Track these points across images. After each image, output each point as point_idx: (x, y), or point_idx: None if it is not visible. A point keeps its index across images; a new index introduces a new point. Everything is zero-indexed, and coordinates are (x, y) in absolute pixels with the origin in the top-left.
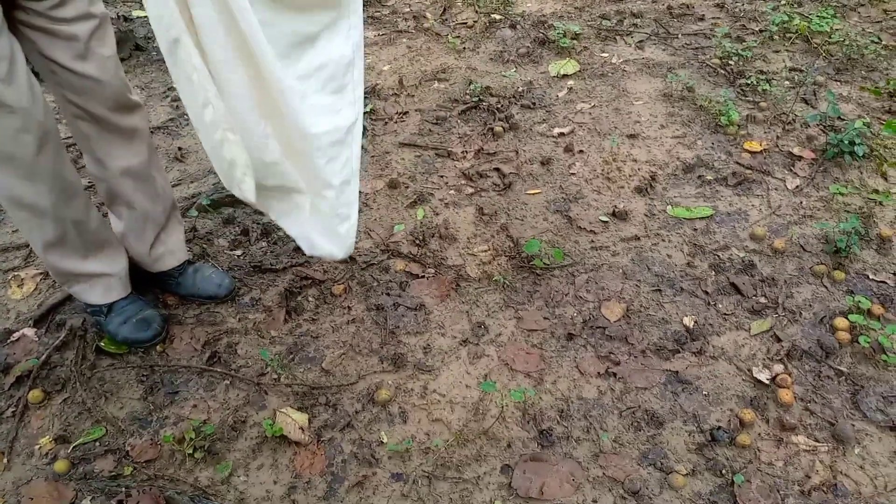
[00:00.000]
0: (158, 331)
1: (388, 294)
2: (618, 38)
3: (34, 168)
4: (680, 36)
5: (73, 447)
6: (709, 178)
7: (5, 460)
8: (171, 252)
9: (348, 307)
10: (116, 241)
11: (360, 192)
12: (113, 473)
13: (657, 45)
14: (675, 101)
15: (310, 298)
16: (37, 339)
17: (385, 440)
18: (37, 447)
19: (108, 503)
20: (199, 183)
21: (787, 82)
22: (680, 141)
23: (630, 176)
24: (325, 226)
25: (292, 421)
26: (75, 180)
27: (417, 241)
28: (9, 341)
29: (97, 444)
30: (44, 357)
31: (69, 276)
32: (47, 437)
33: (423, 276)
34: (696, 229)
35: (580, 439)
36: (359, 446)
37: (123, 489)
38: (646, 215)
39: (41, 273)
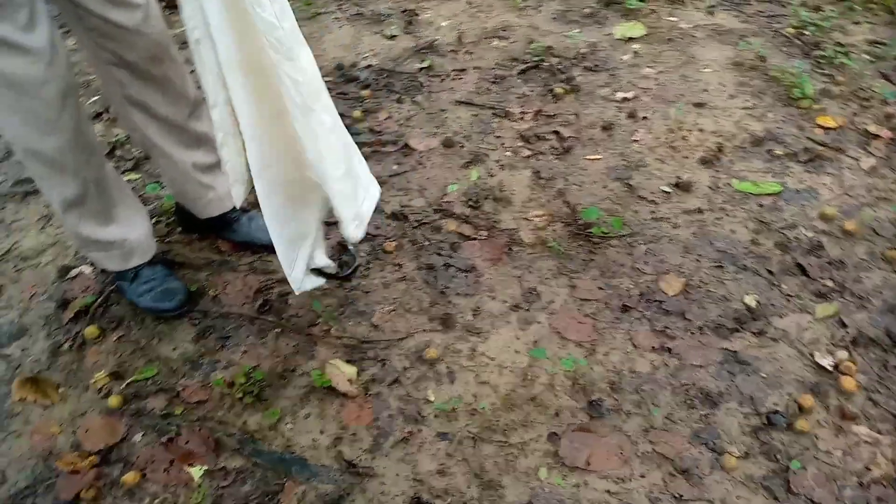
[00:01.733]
0: (182, 302)
1: (438, 254)
2: (688, 1)
3: (56, 122)
4: (753, 2)
5: (127, 384)
6: (778, 152)
7: (62, 391)
8: (219, 198)
9: (399, 265)
10: (136, 203)
11: (412, 150)
12: (164, 412)
13: (729, 11)
14: (745, 70)
15: (362, 254)
16: (94, 276)
17: (432, 398)
18: (92, 382)
19: (159, 440)
20: None
21: (866, 56)
22: (749, 112)
23: (695, 146)
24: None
25: (341, 373)
26: (94, 138)
27: (471, 203)
28: (67, 277)
29: (150, 382)
30: (102, 295)
31: (87, 242)
32: (102, 372)
33: (475, 238)
34: (762, 205)
35: (630, 413)
36: (405, 402)
37: (174, 428)
38: (710, 188)
39: None
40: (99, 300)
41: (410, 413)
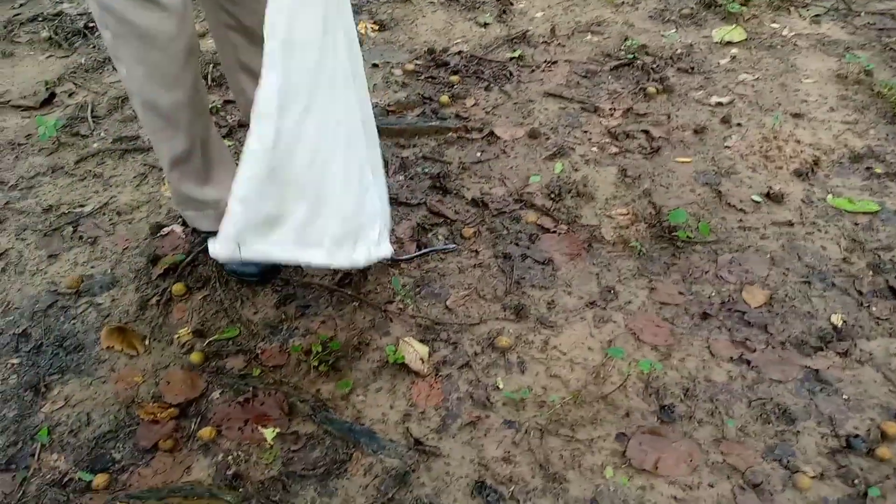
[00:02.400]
0: (265, 269)
1: (516, 244)
2: (792, 9)
3: (178, 77)
4: (863, 14)
5: (209, 342)
6: (878, 171)
7: (147, 343)
8: None
9: (476, 251)
10: (234, 167)
11: (497, 138)
12: (242, 372)
13: (836, 22)
14: (849, 83)
15: (439, 237)
16: (184, 236)
17: (501, 386)
18: (176, 337)
19: (236, 399)
20: None
21: None
22: (850, 127)
23: (790, 157)
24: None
25: (414, 351)
26: (206, 98)
27: (553, 195)
28: (159, 234)
29: (230, 342)
30: (191, 255)
31: (185, 199)
32: (186, 328)
33: (554, 231)
34: (857, 224)
35: (703, 421)
36: (475, 387)
37: (250, 389)
38: (803, 201)
39: None
40: (188, 259)
41: (479, 398)
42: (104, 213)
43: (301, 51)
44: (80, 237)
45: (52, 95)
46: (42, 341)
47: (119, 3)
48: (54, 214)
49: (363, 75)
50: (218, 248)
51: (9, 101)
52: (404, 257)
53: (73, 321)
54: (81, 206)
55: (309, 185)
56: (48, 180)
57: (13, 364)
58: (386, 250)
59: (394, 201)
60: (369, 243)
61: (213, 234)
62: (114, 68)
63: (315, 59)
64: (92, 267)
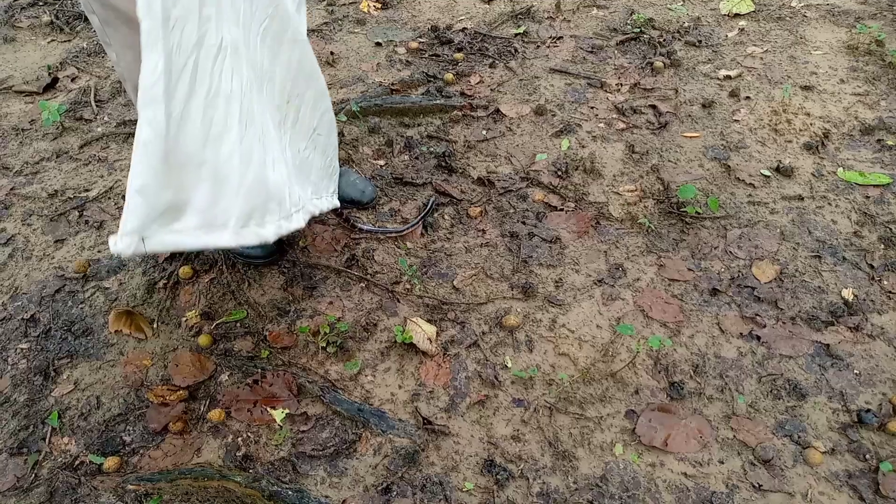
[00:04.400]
0: (273, 250)
1: (523, 223)
2: None
3: None
4: None
5: (217, 324)
6: (889, 143)
7: (155, 326)
8: None
9: (483, 230)
10: None
11: (503, 116)
12: (251, 354)
13: None
14: (860, 54)
15: (446, 216)
16: None
17: (509, 365)
18: (184, 319)
19: (244, 381)
20: (347, 89)
21: None
22: (861, 99)
23: (800, 130)
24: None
25: (421, 331)
26: None
27: (559, 173)
28: None
29: (238, 325)
30: None
31: None
32: (194, 311)
33: (561, 209)
34: (868, 197)
35: (713, 397)
36: (483, 366)
37: (259, 370)
38: (813, 175)
39: None
40: None
41: (487, 377)
42: (110, 198)
43: (180, 27)
44: (87, 221)
45: (55, 80)
46: (50, 326)
47: None
48: (60, 199)
49: (295, 36)
50: (120, 245)
51: (12, 87)
52: (367, 227)
53: (80, 305)
54: (87, 190)
55: (206, 166)
56: (53, 165)
57: (22, 349)
58: (298, 221)
59: (399, 181)
60: (280, 216)
61: None
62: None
63: (195, 32)
64: (99, 251)
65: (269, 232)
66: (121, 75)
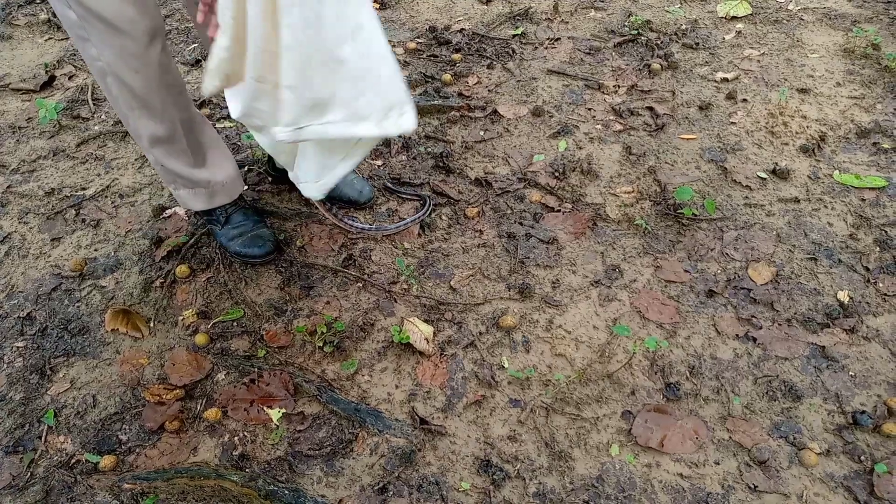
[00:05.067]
0: (270, 249)
1: (520, 223)
2: None
3: (143, 58)
4: None
5: (213, 323)
6: (885, 146)
7: (151, 325)
8: None
9: (480, 231)
10: (222, 146)
11: (500, 117)
12: (247, 354)
13: None
14: (856, 57)
15: (443, 217)
16: (187, 217)
17: (506, 365)
18: (180, 318)
19: (241, 380)
20: None
21: None
22: (857, 102)
23: (796, 133)
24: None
25: (419, 331)
26: (179, 80)
27: (557, 174)
28: (162, 217)
29: (235, 324)
30: (194, 237)
31: (174, 177)
32: (190, 310)
33: (558, 210)
34: (863, 199)
35: (709, 399)
36: (480, 366)
37: (256, 369)
38: (809, 177)
39: None
40: (191, 241)
41: (484, 377)
42: (106, 196)
43: None
44: (83, 220)
45: (52, 78)
46: (47, 324)
47: None
48: (56, 198)
49: None
50: (281, 135)
51: (9, 85)
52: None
53: (77, 304)
54: (83, 188)
55: (346, 64)
56: (50, 163)
57: (18, 347)
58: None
59: (396, 181)
60: (412, 108)
61: (207, 212)
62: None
63: None
64: (95, 250)
65: (409, 122)
66: (100, 70)
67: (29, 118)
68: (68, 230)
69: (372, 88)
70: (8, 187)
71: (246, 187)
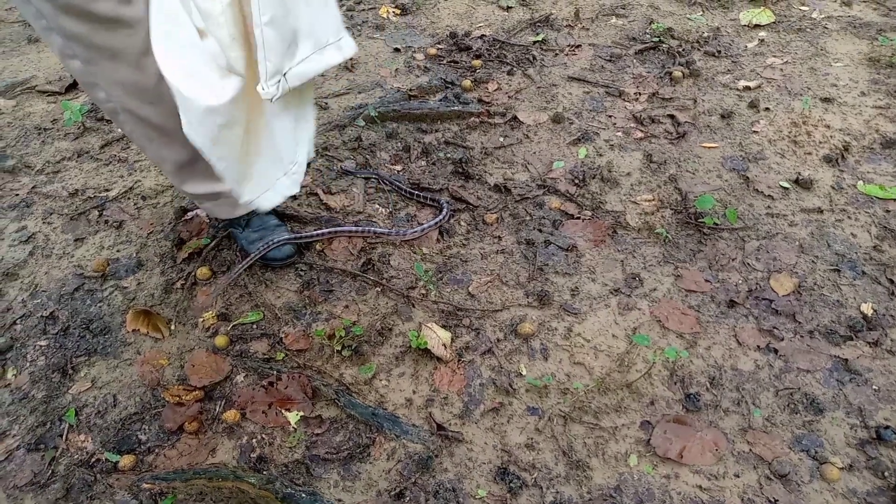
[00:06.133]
0: (290, 253)
1: (539, 230)
2: None
3: (157, 90)
4: None
5: (233, 326)
6: None
7: (172, 327)
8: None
9: (499, 237)
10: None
11: (520, 123)
12: (266, 356)
13: (868, 3)
14: (881, 67)
15: (462, 223)
16: (208, 220)
17: (524, 373)
18: (200, 320)
19: (260, 382)
20: (366, 94)
21: None
22: (882, 112)
23: (820, 143)
24: None
25: (436, 336)
26: None
27: (577, 181)
28: (183, 219)
29: (254, 326)
30: (215, 239)
31: (198, 196)
32: (210, 312)
33: (578, 217)
34: (888, 211)
35: (729, 410)
36: (497, 373)
37: (275, 372)
38: (832, 188)
39: None
40: (212, 243)
41: (502, 384)
42: (129, 198)
43: None
44: (106, 221)
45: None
46: (69, 324)
47: (85, 28)
48: (80, 198)
49: None
50: (270, 90)
51: (35, 87)
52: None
53: (99, 304)
54: (107, 190)
55: None
56: (74, 165)
57: (41, 346)
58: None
59: (415, 186)
60: (348, 34)
61: (234, 220)
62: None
63: None
64: (118, 251)
65: (351, 45)
66: (112, 110)
67: (54, 120)
68: (91, 231)
69: (322, 10)
70: (33, 188)
71: None
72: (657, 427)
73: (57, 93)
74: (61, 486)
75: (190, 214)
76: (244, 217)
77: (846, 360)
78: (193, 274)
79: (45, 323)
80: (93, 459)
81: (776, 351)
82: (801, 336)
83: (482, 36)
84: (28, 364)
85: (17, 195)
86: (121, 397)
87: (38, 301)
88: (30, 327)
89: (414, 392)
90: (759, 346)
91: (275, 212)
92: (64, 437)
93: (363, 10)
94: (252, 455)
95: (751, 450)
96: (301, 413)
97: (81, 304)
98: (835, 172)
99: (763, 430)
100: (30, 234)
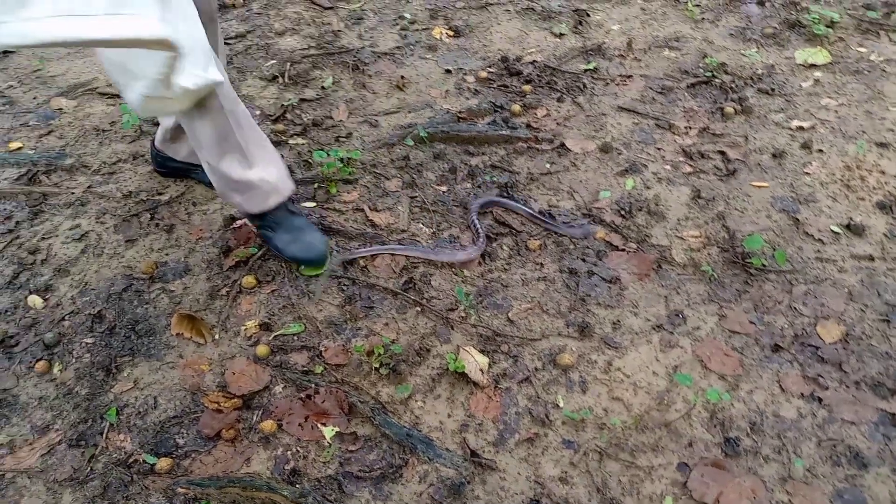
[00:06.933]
0: (322, 254)
1: (583, 260)
2: (881, 32)
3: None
4: None
5: (275, 336)
6: None
7: (216, 335)
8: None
9: (541, 264)
10: (270, 146)
11: (568, 150)
12: (305, 369)
13: None
14: None
15: (504, 247)
16: (255, 230)
17: (561, 405)
18: (243, 328)
19: (298, 395)
20: (416, 114)
21: None
22: None
23: (874, 188)
24: None
25: (474, 361)
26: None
27: (623, 212)
28: (232, 227)
29: (295, 338)
30: (262, 249)
31: (229, 183)
32: (253, 321)
33: (623, 250)
34: None
35: (769, 458)
36: (534, 403)
37: (313, 385)
38: (885, 235)
39: None
40: (259, 253)
41: (538, 414)
42: (181, 203)
43: None
44: (157, 224)
45: None
46: (115, 323)
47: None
48: (133, 200)
49: None
50: None
51: (96, 89)
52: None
53: (145, 306)
54: (160, 194)
55: None
56: (129, 167)
57: (87, 343)
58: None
59: (460, 208)
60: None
61: (264, 214)
62: None
63: None
64: (166, 254)
65: (151, 26)
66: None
67: (112, 122)
68: (142, 233)
69: None
70: (88, 187)
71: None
72: (694, 470)
73: (116, 95)
74: (99, 484)
75: (238, 223)
76: (274, 220)
77: (893, 414)
78: (239, 282)
79: (92, 321)
80: (131, 460)
81: (820, 400)
82: (847, 386)
83: (534, 61)
84: (74, 360)
85: (73, 193)
86: (161, 400)
87: (87, 299)
88: (78, 324)
89: (449, 415)
90: (802, 394)
91: (319, 225)
92: (104, 435)
93: (416, 30)
94: (286, 467)
95: (790, 500)
96: (336, 428)
97: (129, 305)
98: (888, 220)
99: (804, 480)
100: (83, 232)
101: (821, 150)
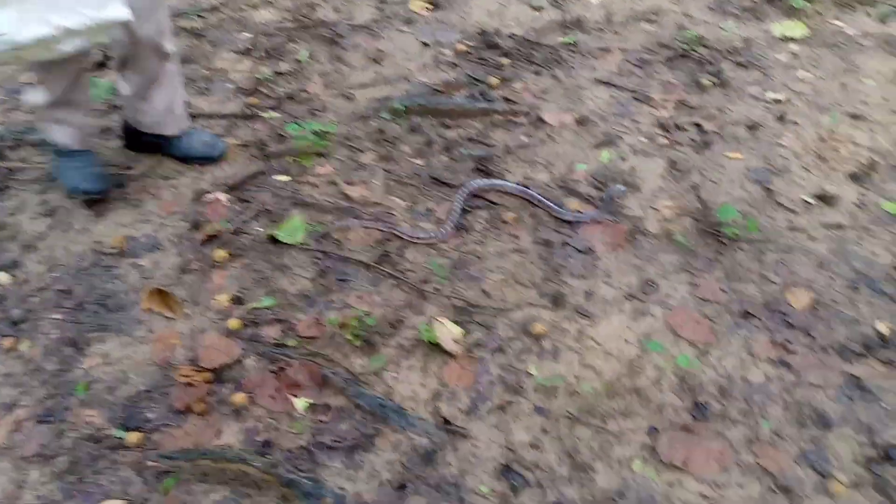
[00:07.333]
0: (102, 189)
1: (557, 231)
2: (858, 6)
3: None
4: None
5: (247, 310)
6: None
7: (185, 306)
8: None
9: (516, 236)
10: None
11: (544, 123)
12: (278, 342)
13: None
14: None
15: (480, 220)
16: (228, 204)
17: (533, 372)
18: (213, 302)
19: (270, 367)
20: (392, 87)
21: None
22: None
23: (846, 159)
24: None
25: (447, 331)
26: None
27: (598, 184)
28: (202, 201)
29: (268, 311)
30: (233, 223)
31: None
32: (224, 295)
33: (597, 221)
34: None
35: (736, 421)
36: (507, 371)
37: (285, 358)
38: (855, 204)
39: (241, 144)
40: (230, 227)
41: (510, 383)
42: (150, 177)
43: None
44: (126, 199)
45: (108, 58)
46: (84, 299)
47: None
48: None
49: None
50: None
51: None
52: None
53: (114, 281)
54: (129, 168)
55: None
56: (99, 141)
57: (56, 319)
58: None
59: (436, 181)
60: None
61: (69, 152)
62: None
63: None
64: (136, 229)
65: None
66: None
67: None
68: (111, 208)
69: None
70: None
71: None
72: (663, 433)
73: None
74: (67, 459)
75: (210, 197)
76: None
77: (858, 377)
78: (210, 256)
79: (60, 296)
80: (100, 434)
81: (788, 364)
82: (815, 351)
83: (512, 35)
84: (42, 336)
85: (41, 168)
86: (131, 374)
87: (56, 274)
88: (46, 300)
89: (422, 385)
90: (771, 359)
91: (292, 198)
92: (73, 410)
93: (394, 3)
94: (257, 439)
95: (756, 461)
96: (309, 400)
97: (98, 280)
98: (859, 189)
99: (770, 442)
100: (51, 207)
101: (795, 122)
